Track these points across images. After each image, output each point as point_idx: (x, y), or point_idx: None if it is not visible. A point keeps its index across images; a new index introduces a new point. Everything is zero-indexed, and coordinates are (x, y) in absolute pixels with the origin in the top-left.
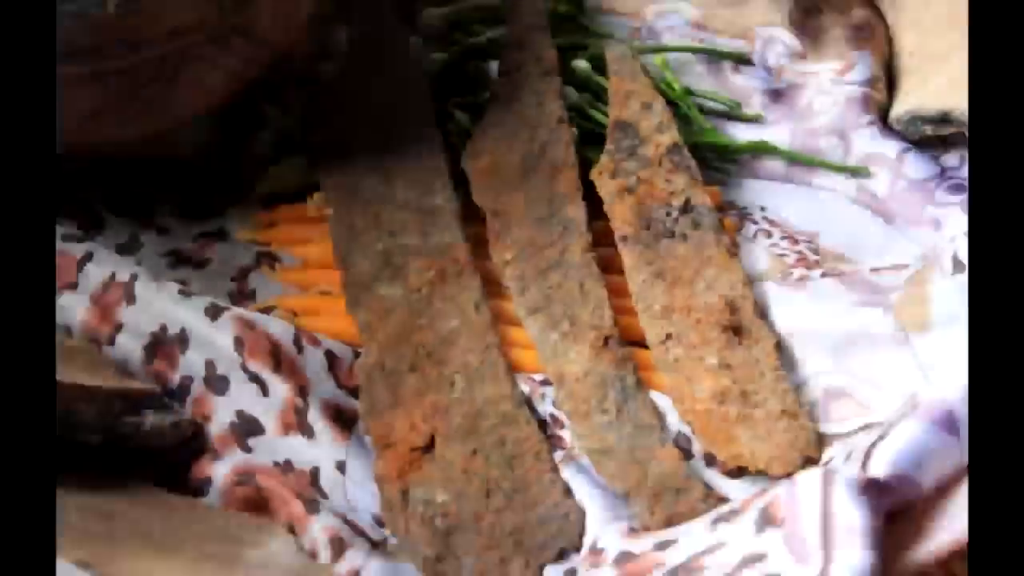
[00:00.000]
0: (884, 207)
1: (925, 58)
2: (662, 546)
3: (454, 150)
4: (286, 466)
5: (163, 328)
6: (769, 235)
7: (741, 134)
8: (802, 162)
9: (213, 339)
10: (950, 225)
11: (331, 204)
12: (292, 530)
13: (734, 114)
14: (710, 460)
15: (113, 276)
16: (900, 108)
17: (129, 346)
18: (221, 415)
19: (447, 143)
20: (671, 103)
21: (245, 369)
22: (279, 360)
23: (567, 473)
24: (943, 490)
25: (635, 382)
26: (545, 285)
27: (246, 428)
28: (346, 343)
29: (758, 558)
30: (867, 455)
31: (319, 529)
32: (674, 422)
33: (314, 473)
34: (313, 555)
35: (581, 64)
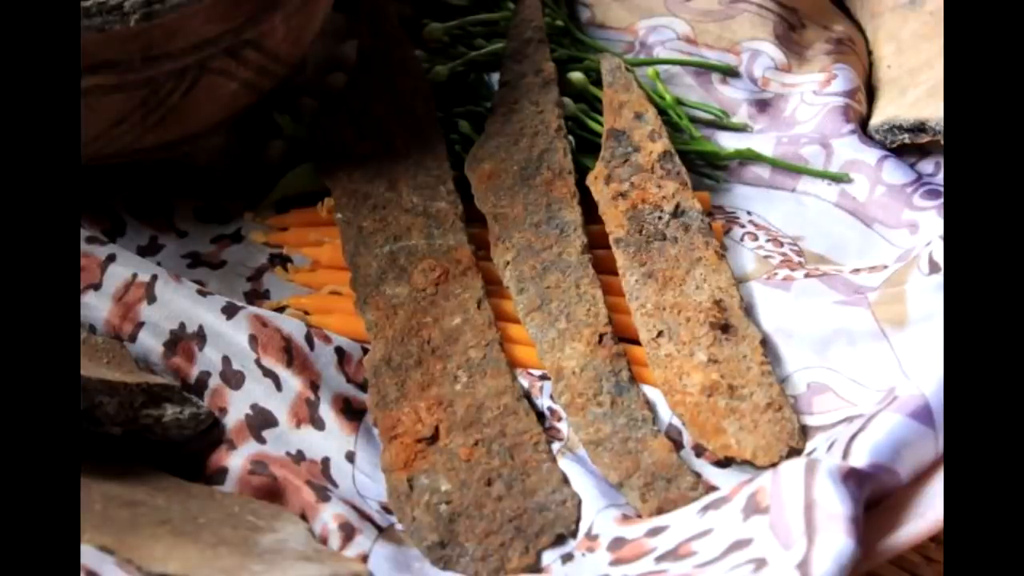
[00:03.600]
0: (864, 211)
1: (902, 70)
2: (654, 532)
3: (457, 157)
4: (298, 456)
5: (182, 326)
6: (755, 238)
7: (728, 142)
8: (786, 169)
9: (229, 336)
10: (926, 228)
11: (340, 208)
12: (304, 517)
13: (722, 123)
14: (699, 450)
15: (134, 277)
16: (879, 118)
17: (149, 343)
18: (237, 408)
19: (450, 150)
20: (662, 113)
21: (260, 365)
22: (292, 356)
23: (564, 463)
24: (920, 479)
25: (628, 377)
26: (543, 285)
27: (260, 420)
28: (355, 340)
29: (745, 543)
30: (848, 446)
31: (329, 516)
32: (665, 414)
33: (325, 463)
34: (323, 540)
35: (577, 76)
